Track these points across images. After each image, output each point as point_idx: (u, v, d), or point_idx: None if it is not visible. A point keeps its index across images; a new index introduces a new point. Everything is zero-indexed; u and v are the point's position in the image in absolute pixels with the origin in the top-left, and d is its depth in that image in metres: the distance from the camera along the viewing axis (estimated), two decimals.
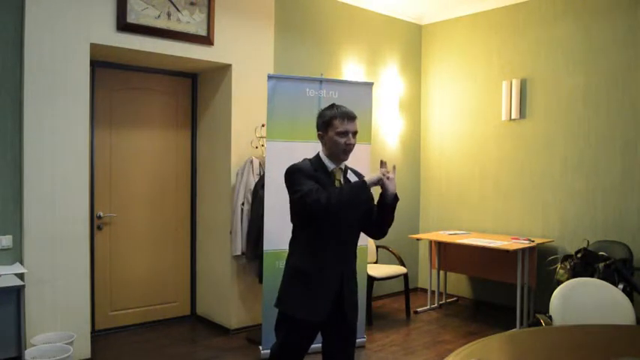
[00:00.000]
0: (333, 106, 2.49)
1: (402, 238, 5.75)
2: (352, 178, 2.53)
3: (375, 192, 2.43)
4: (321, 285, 2.41)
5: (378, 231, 2.58)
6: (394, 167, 2.45)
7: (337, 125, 2.40)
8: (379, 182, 2.33)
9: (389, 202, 2.41)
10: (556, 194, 4.92)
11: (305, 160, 2.51)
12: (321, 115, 2.50)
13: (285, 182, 2.44)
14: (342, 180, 2.48)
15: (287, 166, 2.49)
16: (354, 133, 2.44)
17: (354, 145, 2.45)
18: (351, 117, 2.43)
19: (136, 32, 3.88)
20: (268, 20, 4.63)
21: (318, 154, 2.51)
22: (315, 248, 2.42)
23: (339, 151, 2.43)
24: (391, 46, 5.77)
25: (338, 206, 2.26)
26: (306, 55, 5.01)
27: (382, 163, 2.40)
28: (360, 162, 4.19)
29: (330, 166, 2.47)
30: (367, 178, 2.36)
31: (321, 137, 2.49)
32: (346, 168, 2.55)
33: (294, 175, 2.40)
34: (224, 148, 4.51)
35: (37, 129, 3.51)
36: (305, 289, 2.40)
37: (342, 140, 2.40)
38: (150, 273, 4.67)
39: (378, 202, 2.47)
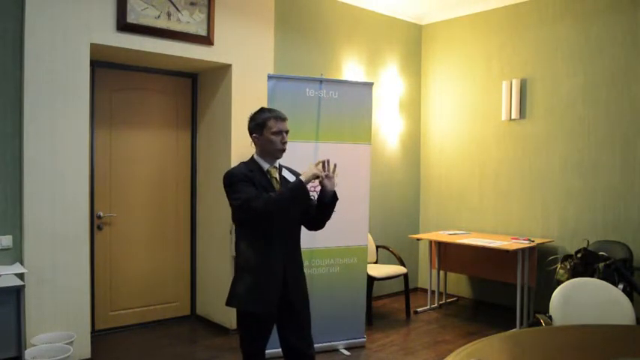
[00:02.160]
0: (263, 109, 2.63)
1: (402, 238, 5.76)
2: (287, 175, 2.65)
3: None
4: (266, 279, 2.52)
5: (316, 226, 2.71)
6: (335, 166, 2.57)
7: (272, 126, 2.54)
8: (316, 178, 2.47)
9: (327, 201, 2.56)
10: (556, 194, 4.93)
11: (240, 163, 2.64)
12: (253, 119, 2.62)
13: (224, 188, 2.56)
14: (277, 177, 2.61)
15: (282, 167, 2.67)
16: (287, 132, 2.60)
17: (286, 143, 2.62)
18: (283, 118, 2.59)
19: (136, 32, 3.87)
20: (268, 20, 4.63)
21: (252, 157, 2.64)
22: (258, 245, 2.53)
23: (276, 149, 2.57)
24: (391, 47, 5.77)
25: (278, 211, 2.42)
26: (306, 55, 5.01)
27: (324, 163, 2.53)
28: (361, 162, 4.21)
29: (265, 165, 2.61)
30: (303, 175, 2.48)
31: (256, 139, 2.60)
32: (280, 166, 2.67)
33: (230, 182, 2.52)
34: (224, 148, 4.51)
35: (37, 129, 3.51)
36: (252, 284, 2.51)
37: (278, 139, 2.55)
38: (150, 273, 4.67)
39: (317, 199, 2.60)
